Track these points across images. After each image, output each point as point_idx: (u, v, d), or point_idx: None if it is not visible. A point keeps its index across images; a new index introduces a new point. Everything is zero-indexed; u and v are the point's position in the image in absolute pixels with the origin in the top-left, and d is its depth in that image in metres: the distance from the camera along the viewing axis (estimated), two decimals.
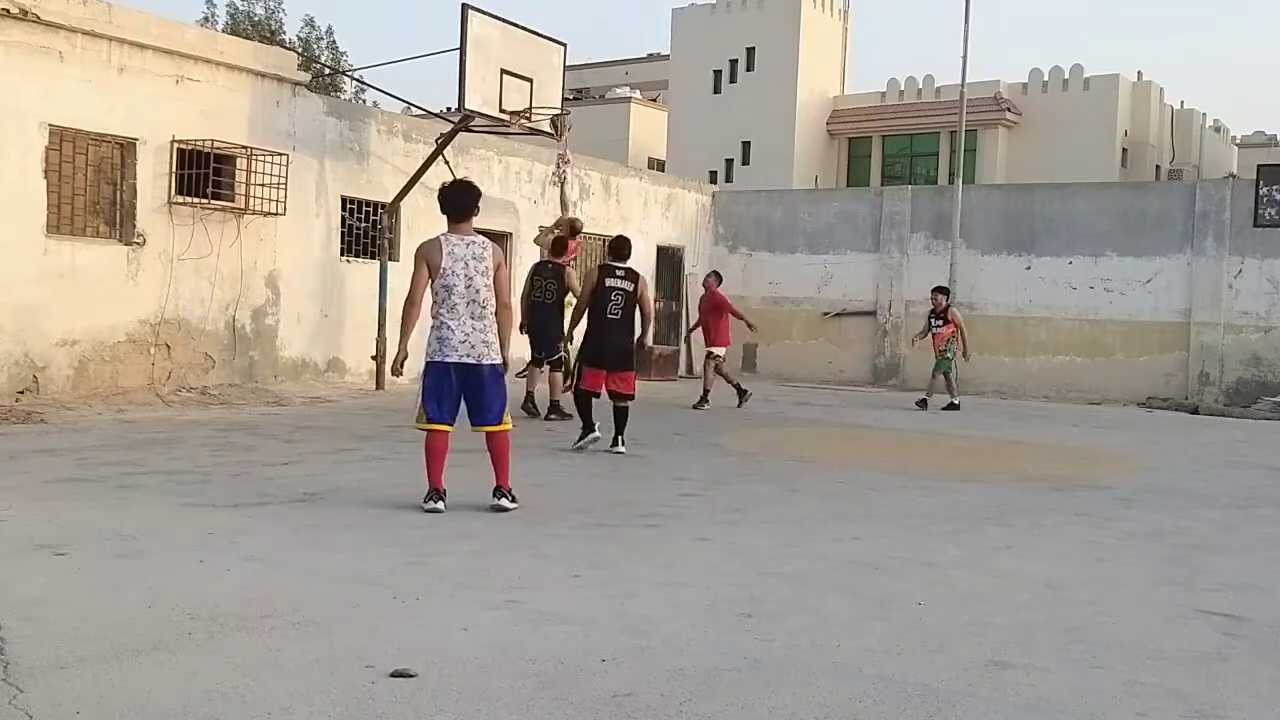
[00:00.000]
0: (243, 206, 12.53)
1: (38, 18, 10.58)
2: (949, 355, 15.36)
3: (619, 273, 9.70)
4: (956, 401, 15.31)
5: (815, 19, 37.45)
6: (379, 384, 13.90)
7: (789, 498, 7.59)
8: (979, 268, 19.12)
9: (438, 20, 79.43)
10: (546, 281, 11.92)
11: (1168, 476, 9.50)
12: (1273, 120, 74.97)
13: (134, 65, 11.52)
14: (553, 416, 11.70)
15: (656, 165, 36.10)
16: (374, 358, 13.85)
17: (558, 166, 15.25)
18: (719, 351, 14.70)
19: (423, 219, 15.16)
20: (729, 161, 37.42)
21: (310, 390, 13.12)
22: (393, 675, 3.55)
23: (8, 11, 10.36)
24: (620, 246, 9.98)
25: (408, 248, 14.87)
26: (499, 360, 6.53)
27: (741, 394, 14.48)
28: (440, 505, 6.45)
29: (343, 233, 14.18)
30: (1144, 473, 9.78)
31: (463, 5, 12.80)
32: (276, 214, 12.80)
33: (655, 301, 20.33)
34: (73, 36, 10.96)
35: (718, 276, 15.33)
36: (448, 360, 6.51)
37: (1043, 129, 34.82)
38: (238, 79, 12.60)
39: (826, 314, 20.56)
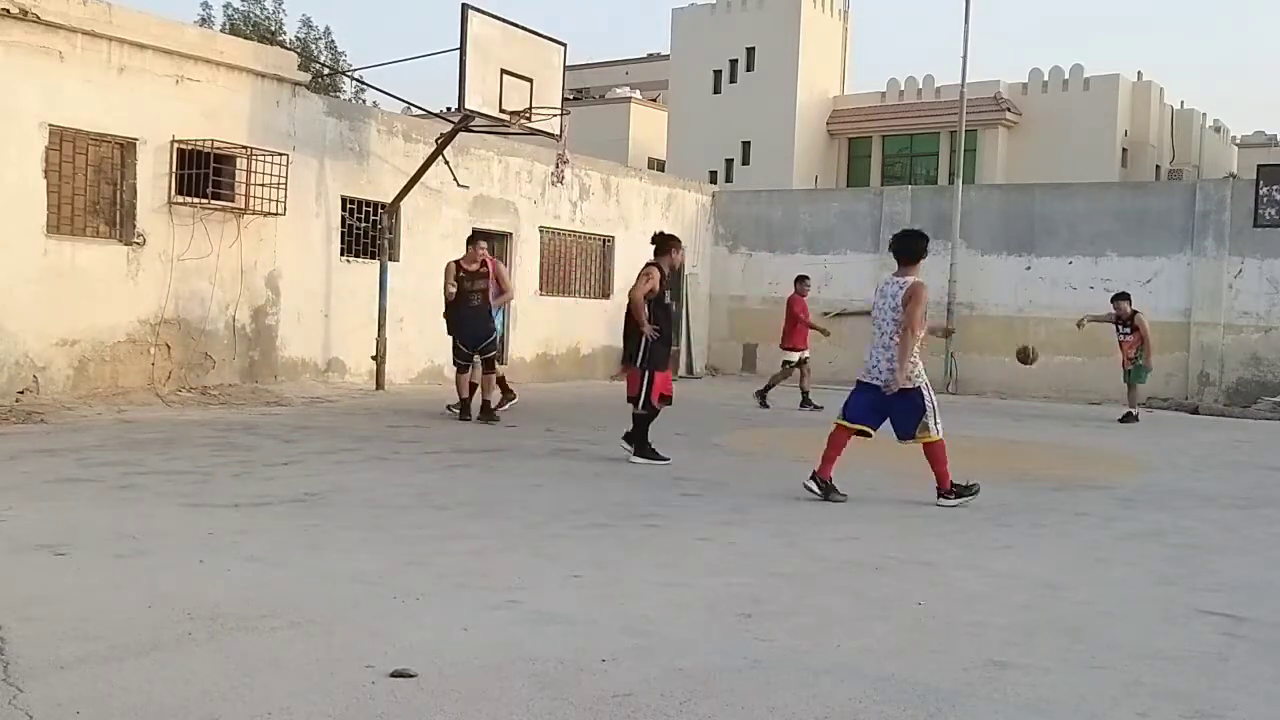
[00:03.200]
0: (243, 206, 12.53)
1: (38, 18, 10.58)
2: (1139, 362, 14.96)
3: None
4: (1135, 413, 14.83)
5: (815, 19, 37.47)
6: (379, 384, 13.91)
7: (789, 498, 7.59)
8: (979, 268, 19.12)
9: (438, 20, 79.50)
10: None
11: (1168, 476, 9.50)
12: (1273, 120, 75.03)
13: (134, 65, 11.52)
14: (468, 417, 11.31)
15: (656, 165, 36.12)
16: (374, 358, 13.85)
17: (557, 166, 15.25)
18: (799, 355, 14.70)
19: (423, 219, 15.20)
20: (729, 161, 37.43)
21: (310, 390, 13.12)
22: (393, 675, 3.55)
23: (8, 11, 10.36)
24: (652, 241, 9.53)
25: (407, 248, 14.92)
26: (904, 384, 7.42)
27: (764, 396, 14.59)
28: (833, 496, 7.50)
29: (343, 233, 14.18)
30: (1144, 473, 9.78)
31: (463, 5, 12.80)
32: (276, 214, 12.80)
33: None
34: (73, 36, 10.96)
35: (803, 281, 15.26)
36: (858, 378, 7.76)
37: (1043, 129, 34.83)
38: (238, 79, 12.60)
39: (826, 314, 20.55)
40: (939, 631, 4.36)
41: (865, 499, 7.69)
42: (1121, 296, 14.97)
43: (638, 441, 9.00)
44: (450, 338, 11.63)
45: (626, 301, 9.37)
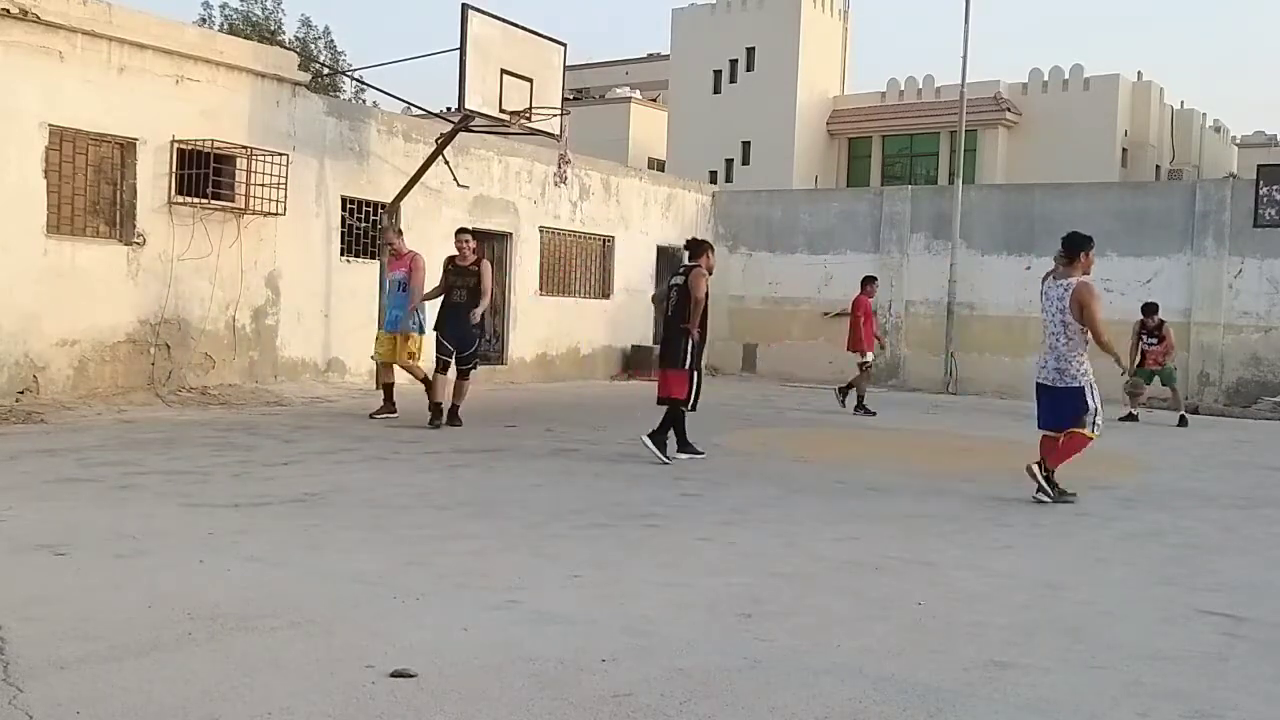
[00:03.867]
0: (243, 206, 12.53)
1: (38, 18, 10.58)
2: (1172, 366, 15.07)
3: (680, 271, 9.51)
4: (1136, 413, 14.94)
5: (815, 19, 37.47)
6: (379, 384, 13.89)
7: (789, 498, 7.59)
8: (979, 268, 19.12)
9: (438, 20, 79.51)
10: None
11: (1168, 476, 9.50)
12: (1273, 120, 75.02)
13: (134, 65, 11.52)
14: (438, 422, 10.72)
15: (656, 165, 36.11)
16: (374, 358, 13.84)
17: (559, 166, 15.25)
18: (871, 356, 14.64)
19: (423, 219, 15.19)
20: (729, 161, 37.43)
21: (310, 390, 13.12)
22: (393, 675, 3.55)
23: (8, 11, 10.35)
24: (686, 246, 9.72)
25: (408, 248, 14.89)
26: (1069, 383, 7.70)
27: (846, 395, 14.44)
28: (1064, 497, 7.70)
29: (343, 233, 14.18)
30: (1144, 473, 9.78)
31: (463, 5, 12.80)
32: (276, 214, 12.80)
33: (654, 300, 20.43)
34: (73, 36, 10.96)
35: (873, 282, 15.15)
36: (1036, 380, 7.99)
37: (1043, 129, 34.83)
38: (238, 79, 12.60)
39: (826, 314, 20.55)
40: (939, 631, 4.36)
41: (865, 499, 7.69)
42: (1151, 308, 14.97)
43: (680, 438, 9.25)
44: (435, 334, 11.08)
45: (658, 310, 9.83)
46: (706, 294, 9.20)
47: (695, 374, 9.20)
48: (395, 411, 11.10)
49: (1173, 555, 6.13)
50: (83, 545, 5.18)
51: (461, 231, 11.18)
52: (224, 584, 4.62)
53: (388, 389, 11.29)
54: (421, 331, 11.27)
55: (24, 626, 3.89)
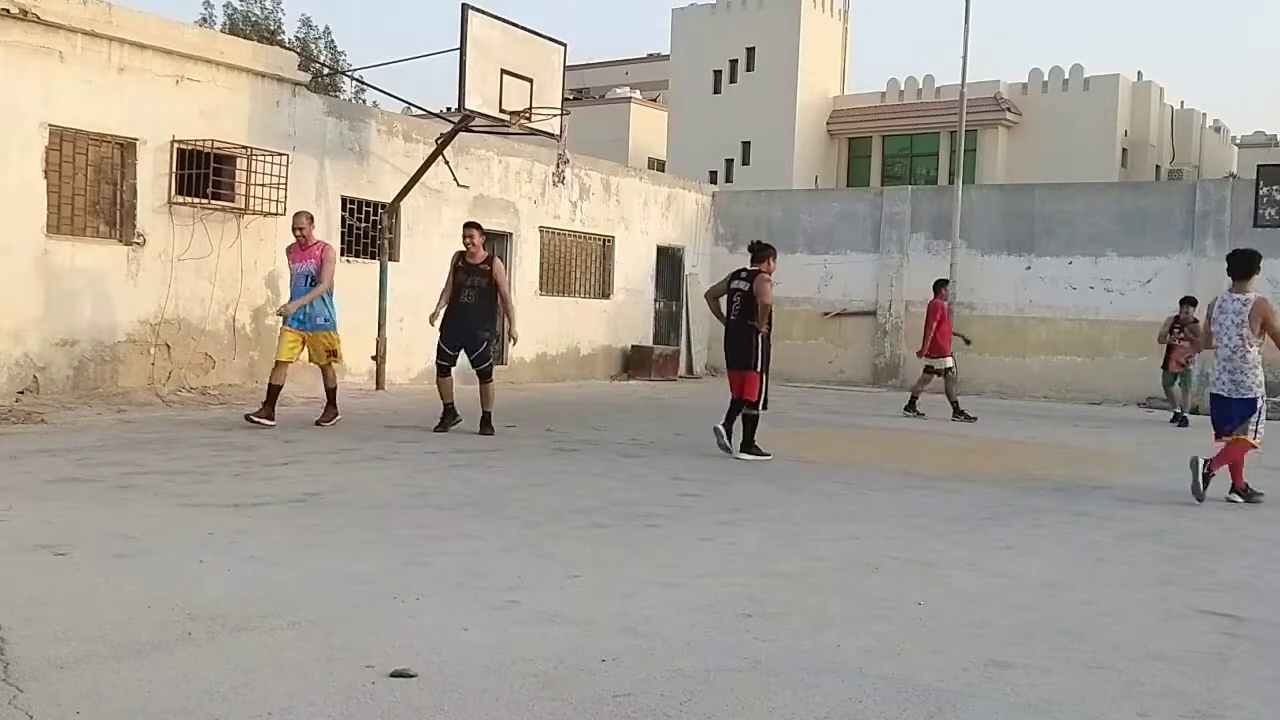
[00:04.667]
0: (243, 206, 12.54)
1: (38, 18, 10.58)
2: (1191, 369, 15.02)
3: (742, 274, 9.69)
4: (1181, 413, 14.86)
5: (815, 19, 37.47)
6: (379, 384, 13.91)
7: (789, 498, 7.59)
8: (979, 268, 19.12)
9: (438, 20, 79.49)
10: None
11: (1168, 476, 9.50)
12: (1273, 120, 74.99)
13: (134, 65, 11.52)
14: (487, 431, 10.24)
15: (656, 165, 36.12)
16: (374, 358, 13.86)
17: (559, 166, 15.25)
18: (950, 360, 14.50)
19: (423, 219, 15.20)
20: (729, 161, 37.44)
21: (310, 390, 13.10)
22: (393, 675, 3.55)
23: (8, 11, 10.36)
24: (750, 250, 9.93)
25: (408, 248, 14.92)
26: (1244, 394, 8.08)
27: (959, 410, 14.19)
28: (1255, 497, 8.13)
29: (343, 233, 14.18)
30: (1144, 473, 9.78)
31: (463, 5, 12.80)
32: (276, 214, 12.80)
33: (656, 302, 20.44)
34: (73, 36, 10.96)
35: (945, 285, 15.04)
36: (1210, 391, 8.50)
37: (1043, 129, 34.83)
38: (238, 79, 12.60)
39: (827, 314, 20.57)
40: (939, 631, 4.36)
41: (865, 499, 7.69)
42: (1190, 301, 14.88)
43: (746, 439, 9.39)
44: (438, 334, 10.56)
45: (711, 307, 10.05)
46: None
47: (765, 374, 9.47)
48: (274, 421, 9.96)
49: (1173, 555, 6.13)
50: (83, 545, 5.18)
51: (471, 226, 10.46)
52: (224, 584, 4.62)
53: (274, 392, 10.10)
54: (334, 328, 10.32)
55: (24, 626, 3.89)
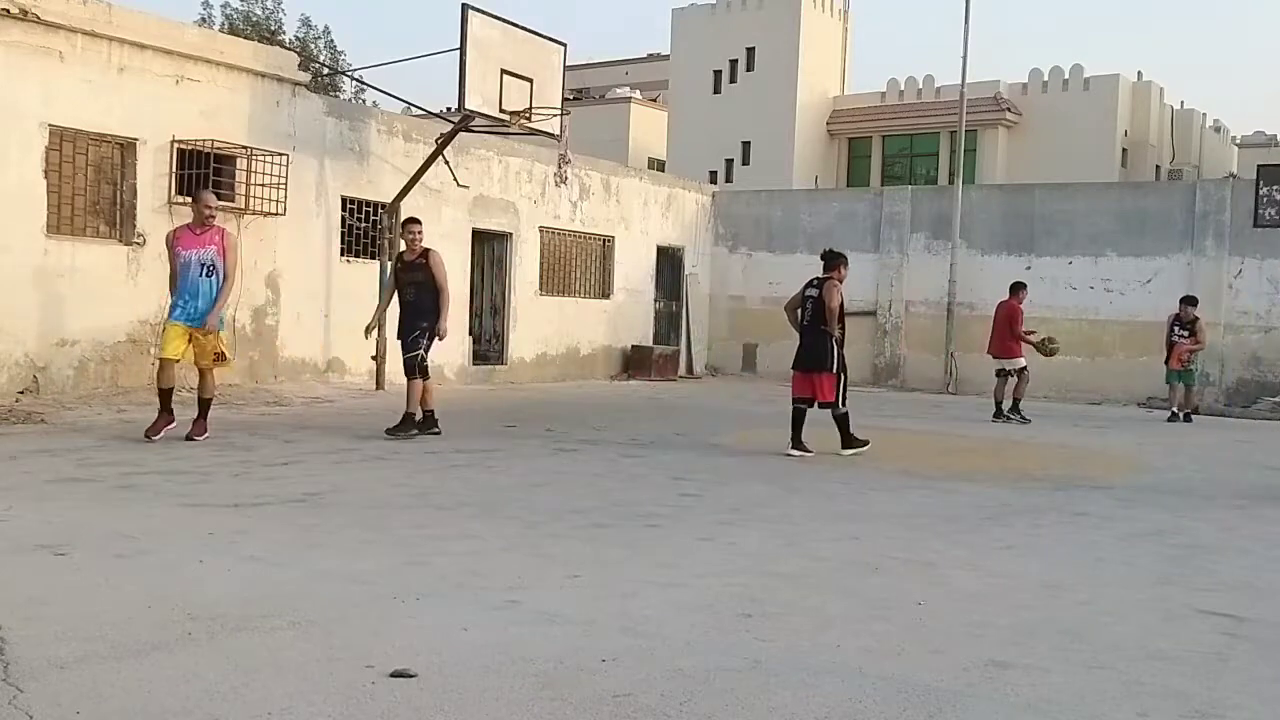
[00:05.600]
0: (243, 206, 12.54)
1: (38, 18, 10.58)
2: (1193, 368, 15.14)
3: (814, 282, 10.08)
4: (1189, 412, 15.05)
5: (815, 19, 37.47)
6: (379, 384, 13.91)
7: (789, 498, 7.59)
8: (979, 268, 19.12)
9: (438, 20, 79.46)
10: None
11: (1168, 476, 9.50)
12: (1273, 120, 75.02)
13: (134, 65, 11.52)
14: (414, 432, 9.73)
15: (656, 165, 36.12)
16: (374, 358, 13.85)
17: (558, 166, 15.25)
18: (1020, 364, 14.53)
19: (423, 219, 15.15)
20: (729, 161, 37.44)
21: (310, 390, 13.12)
22: (393, 675, 3.55)
23: (8, 11, 10.36)
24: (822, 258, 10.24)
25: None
26: None
27: (1005, 413, 14.30)
28: None
29: (343, 233, 14.18)
30: (1144, 473, 9.78)
31: (463, 5, 12.81)
32: (276, 214, 12.80)
33: (656, 302, 20.44)
34: (73, 36, 10.96)
35: (1023, 288, 15.06)
36: None
37: (1043, 129, 34.83)
38: (238, 79, 12.61)
39: None
40: (939, 631, 4.36)
41: (865, 499, 7.69)
42: (1190, 300, 15.04)
43: (845, 436, 9.89)
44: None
45: (789, 318, 10.25)
46: (841, 301, 9.87)
47: (842, 375, 9.91)
48: (174, 421, 8.87)
49: (1173, 555, 6.13)
50: (83, 545, 5.18)
51: (411, 222, 10.11)
52: (224, 584, 4.62)
53: (166, 395, 8.86)
54: (222, 327, 9.43)
55: (24, 626, 3.89)
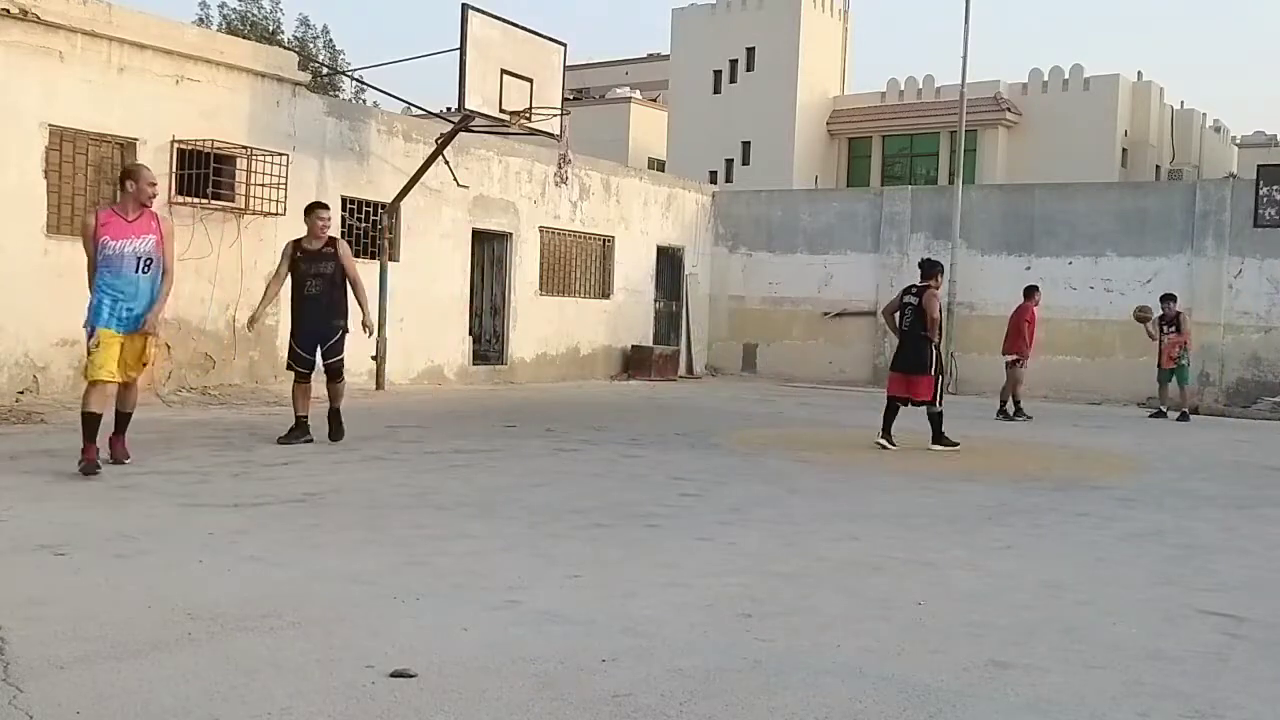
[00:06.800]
0: (243, 206, 12.54)
1: (38, 18, 10.58)
2: (1184, 363, 15.34)
3: (913, 290, 10.83)
4: (1187, 411, 15.30)
5: (815, 19, 37.48)
6: (379, 384, 13.91)
7: (789, 498, 7.59)
8: (979, 268, 19.12)
9: (438, 20, 79.47)
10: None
11: (1168, 476, 9.50)
12: (1273, 120, 75.03)
13: (134, 65, 11.52)
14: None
15: (656, 165, 36.12)
16: (374, 358, 13.85)
17: (558, 166, 15.25)
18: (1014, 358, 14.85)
19: (423, 219, 15.20)
20: (729, 161, 37.44)
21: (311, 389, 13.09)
22: (393, 675, 3.55)
23: (8, 11, 10.35)
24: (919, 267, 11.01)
25: (408, 248, 14.91)
26: None
27: (1012, 411, 14.60)
28: None
29: (343, 233, 14.16)
30: (1144, 473, 9.77)
31: (463, 5, 12.81)
32: (276, 214, 12.80)
33: (656, 302, 20.44)
34: (73, 36, 10.96)
35: (1036, 290, 15.34)
36: None
37: (1043, 129, 34.84)
38: (237, 79, 12.60)
39: (826, 314, 20.56)
40: (939, 631, 4.36)
41: (865, 498, 7.69)
42: (1169, 297, 15.39)
43: (937, 433, 10.60)
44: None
45: (887, 323, 11.26)
46: (941, 308, 10.64)
47: (940, 377, 10.74)
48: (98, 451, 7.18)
49: (1173, 555, 6.12)
50: (83, 545, 5.18)
51: (319, 206, 9.18)
52: (224, 584, 4.62)
53: (96, 422, 7.14)
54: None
55: (24, 626, 3.89)
